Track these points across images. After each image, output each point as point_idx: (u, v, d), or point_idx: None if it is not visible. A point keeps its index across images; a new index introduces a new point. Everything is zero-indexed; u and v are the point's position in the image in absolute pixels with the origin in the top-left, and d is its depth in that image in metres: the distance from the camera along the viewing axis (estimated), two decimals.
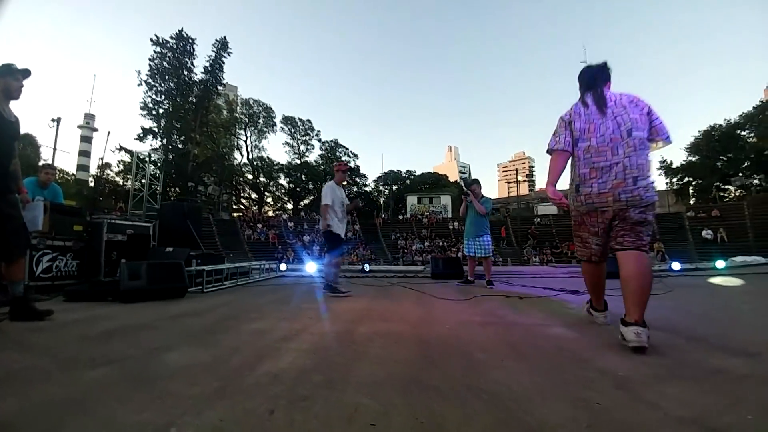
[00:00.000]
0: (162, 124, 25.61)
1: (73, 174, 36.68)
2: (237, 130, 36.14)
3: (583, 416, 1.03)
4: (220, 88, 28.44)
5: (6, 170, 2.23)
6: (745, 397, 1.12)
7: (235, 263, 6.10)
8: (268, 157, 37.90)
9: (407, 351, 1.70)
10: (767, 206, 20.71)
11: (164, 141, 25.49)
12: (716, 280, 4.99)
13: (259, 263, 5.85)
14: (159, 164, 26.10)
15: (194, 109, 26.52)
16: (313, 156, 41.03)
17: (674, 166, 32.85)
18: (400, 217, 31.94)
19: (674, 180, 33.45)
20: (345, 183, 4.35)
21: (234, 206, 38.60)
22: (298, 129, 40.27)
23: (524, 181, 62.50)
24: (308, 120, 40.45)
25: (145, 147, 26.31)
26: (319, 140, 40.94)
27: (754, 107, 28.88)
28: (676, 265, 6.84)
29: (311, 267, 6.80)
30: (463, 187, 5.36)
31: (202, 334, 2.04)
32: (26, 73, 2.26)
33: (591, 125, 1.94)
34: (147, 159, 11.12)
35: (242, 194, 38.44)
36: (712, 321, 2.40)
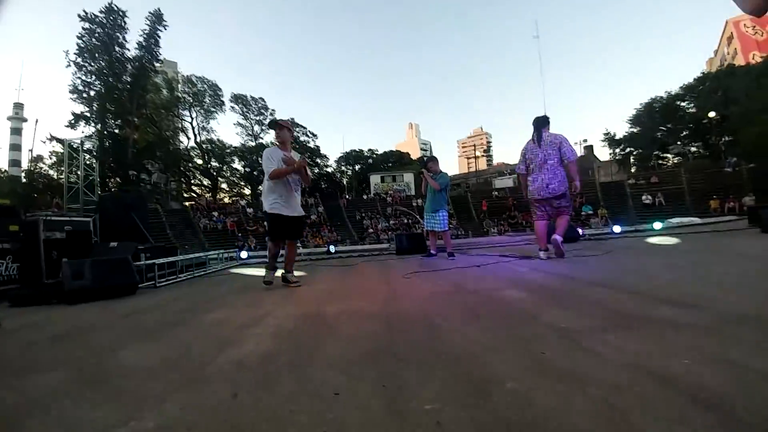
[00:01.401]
0: (94, 108, 23.04)
1: (4, 171, 32.32)
2: (180, 110, 33.30)
3: (530, 365, 1.13)
4: (157, 64, 25.91)
5: None
6: (682, 344, 1.23)
7: (191, 254, 5.81)
8: (218, 140, 35.53)
9: (377, 326, 1.75)
10: (703, 172, 23.07)
11: (98, 126, 23.05)
12: (653, 240, 5.52)
13: (217, 252, 5.61)
14: (94, 152, 23.76)
15: (130, 89, 24.06)
16: (269, 137, 39.24)
17: (617, 137, 35.40)
18: (365, 196, 31.84)
19: (617, 150, 36.12)
20: (292, 144, 3.38)
21: (185, 194, 36.26)
22: (251, 108, 38.00)
23: (482, 156, 64.45)
24: (261, 98, 38.26)
25: (77, 134, 23.68)
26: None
27: (695, 79, 31.19)
28: (617, 228, 7.55)
29: None
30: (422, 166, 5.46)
31: (157, 329, 1.95)
32: None
33: (533, 155, 3.84)
34: (80, 147, 10.01)
35: (193, 181, 36.03)
36: (650, 277, 2.61)
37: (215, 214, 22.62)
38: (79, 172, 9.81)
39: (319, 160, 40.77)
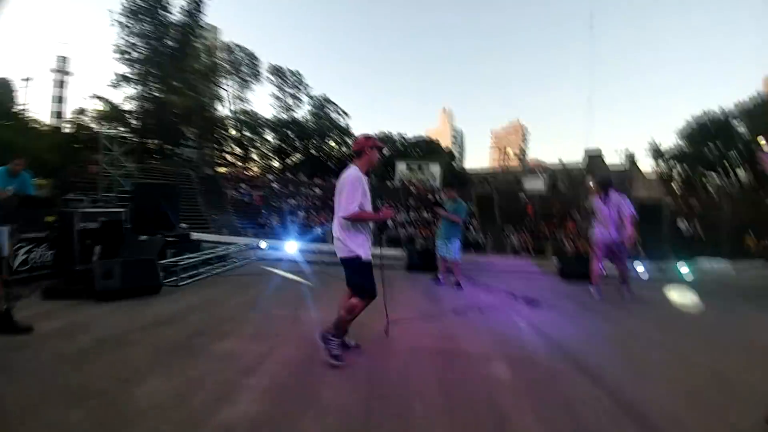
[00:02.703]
0: (137, 70, 24.00)
1: (46, 125, 34.71)
2: (218, 78, 34.00)
3: None
4: (198, 30, 26.46)
5: None
6: None
7: (213, 242, 6.16)
8: (252, 110, 36.13)
9: (354, 395, 1.91)
10: (746, 201, 21.30)
11: (140, 88, 24.05)
12: (675, 295, 4.89)
13: (237, 245, 5.95)
14: (134, 113, 24.72)
15: (172, 54, 24.76)
16: (301, 112, 39.49)
17: (663, 148, 32.97)
18: (388, 183, 31.82)
19: (661, 164, 33.80)
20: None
21: (217, 161, 37.53)
22: (287, 81, 38.17)
23: (515, 156, 62.08)
24: (298, 71, 38.31)
25: (119, 95, 24.88)
26: (308, 95, 39.06)
27: (750, 98, 28.59)
28: (640, 269, 7.10)
29: (291, 247, 6.92)
30: (437, 198, 5.43)
31: (170, 357, 2.21)
32: None
33: (601, 209, 4.58)
34: (122, 108, 10.58)
35: (225, 148, 37.13)
36: (634, 365, 2.50)
37: (243, 185, 23.33)
38: (117, 132, 10.32)
39: (348, 140, 40.88)
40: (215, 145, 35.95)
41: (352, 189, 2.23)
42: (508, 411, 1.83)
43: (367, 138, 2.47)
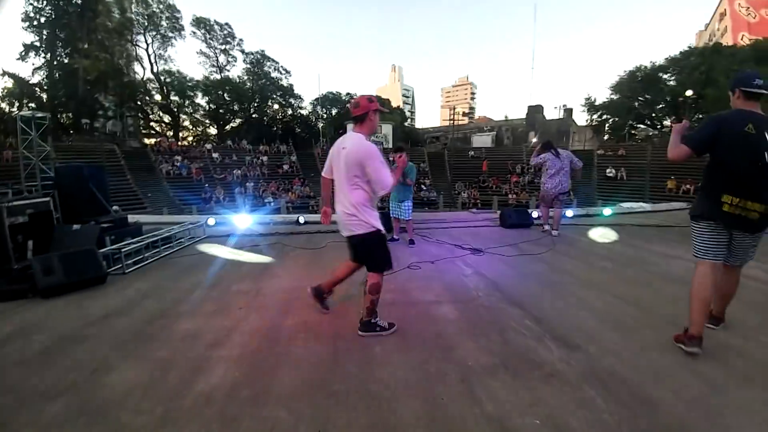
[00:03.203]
0: (45, 36, 20.26)
1: None
2: (134, 35, 29.54)
3: (428, 413, 1.55)
4: None
5: None
6: (544, 398, 1.63)
7: (156, 224, 5.81)
8: (178, 71, 32.10)
9: (322, 348, 2.13)
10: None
11: (47, 56, 20.45)
12: (595, 233, 5.84)
13: (182, 224, 5.64)
14: (44, 86, 21.29)
15: (80, 12, 21.01)
16: (236, 71, 36.05)
17: (597, 103, 35.59)
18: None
19: (594, 117, 36.59)
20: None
21: (143, 131, 33.63)
22: (216, 35, 34.14)
23: (463, 114, 63.13)
24: (227, 24, 34.27)
25: (29, 69, 21.11)
26: (242, 51, 35.38)
27: (680, 52, 30.91)
28: (569, 213, 8.11)
29: (242, 221, 6.76)
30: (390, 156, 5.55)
31: (134, 344, 2.23)
32: None
33: (552, 164, 5.48)
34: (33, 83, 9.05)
35: (152, 116, 33.21)
36: (564, 296, 2.93)
37: (178, 158, 21.39)
38: (27, 113, 8.94)
39: (293, 101, 38.58)
40: (140, 114, 32.07)
41: (381, 161, 2.13)
42: (454, 342, 2.18)
43: (370, 100, 2.23)
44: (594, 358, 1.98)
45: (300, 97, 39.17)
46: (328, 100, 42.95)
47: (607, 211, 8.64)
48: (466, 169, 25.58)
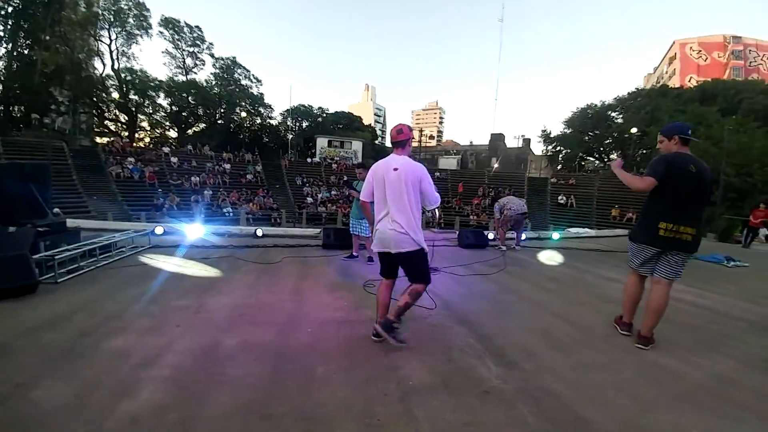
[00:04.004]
0: (9, 27, 18.80)
1: None
2: (98, 30, 27.95)
3: None
4: None
5: None
6: (480, 416, 1.68)
7: (97, 230, 5.41)
8: (141, 70, 30.62)
9: (262, 368, 2.05)
10: (613, 180, 26.17)
11: (9, 47, 18.93)
12: (543, 256, 6.31)
13: (126, 232, 5.24)
14: (0, 77, 19.58)
15: (45, 4, 19.69)
16: (204, 74, 35.08)
17: (552, 135, 38.52)
18: (309, 160, 30.86)
19: (549, 147, 39.47)
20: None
21: (96, 129, 31.39)
22: (184, 37, 33.18)
23: (431, 137, 65.41)
24: (197, 27, 33.46)
25: None
26: (212, 55, 34.57)
27: (629, 93, 34.43)
28: (523, 236, 8.59)
29: (194, 231, 6.42)
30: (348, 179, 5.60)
31: (61, 361, 2.04)
32: None
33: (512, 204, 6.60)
34: None
35: (107, 114, 31.10)
36: (506, 317, 3.07)
37: (131, 160, 20.00)
38: None
39: (262, 110, 37.95)
40: (94, 111, 29.97)
41: (430, 180, 2.40)
42: (399, 361, 2.19)
43: (411, 129, 2.56)
44: (530, 376, 2.08)
45: (270, 107, 38.68)
46: (299, 112, 42.74)
47: (555, 235, 9.24)
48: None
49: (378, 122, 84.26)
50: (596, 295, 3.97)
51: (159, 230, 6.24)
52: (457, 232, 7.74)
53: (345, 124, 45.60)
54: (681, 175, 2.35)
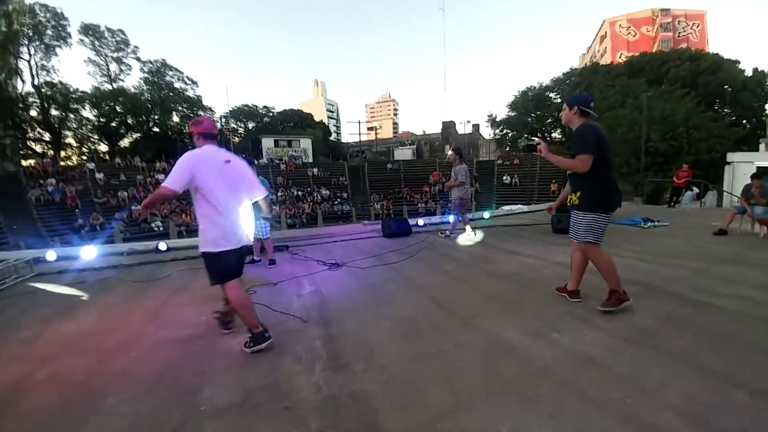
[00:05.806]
0: None
1: None
2: (17, 47, 24.96)
3: None
4: None
5: None
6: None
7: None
8: (60, 82, 27.82)
9: (51, 402, 1.78)
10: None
11: None
12: (463, 237, 6.16)
13: (5, 261, 4.60)
14: None
15: None
16: (133, 81, 32.53)
17: (498, 119, 39.83)
18: (255, 162, 29.57)
19: (496, 131, 40.83)
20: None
21: (21, 152, 28.18)
22: (106, 42, 30.47)
23: (378, 129, 65.37)
24: (120, 31, 30.83)
25: None
26: (138, 59, 32.12)
27: (563, 73, 36.15)
28: (450, 218, 8.62)
29: (88, 252, 5.81)
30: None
31: None
32: None
33: (465, 172, 6.13)
34: None
35: (30, 134, 28.00)
36: (375, 309, 2.95)
37: (52, 181, 17.99)
38: None
39: (202, 113, 35.82)
40: (17, 133, 26.83)
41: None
42: (210, 382, 1.96)
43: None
44: (352, 379, 1.89)
45: (211, 109, 36.65)
46: (243, 112, 40.89)
47: (486, 214, 9.43)
48: (385, 181, 26.24)
49: (331, 118, 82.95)
50: (487, 271, 3.97)
51: (51, 256, 5.59)
52: (381, 223, 7.60)
53: (295, 122, 44.33)
54: (605, 141, 2.38)
